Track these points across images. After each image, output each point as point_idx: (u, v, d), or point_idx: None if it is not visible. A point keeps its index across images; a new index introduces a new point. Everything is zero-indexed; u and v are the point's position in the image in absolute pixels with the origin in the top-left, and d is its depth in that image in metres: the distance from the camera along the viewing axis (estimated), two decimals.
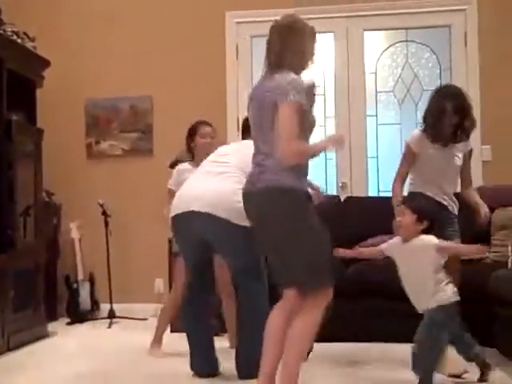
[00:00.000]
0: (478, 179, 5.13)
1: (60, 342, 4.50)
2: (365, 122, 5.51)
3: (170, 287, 4.80)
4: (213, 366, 3.39)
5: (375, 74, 5.58)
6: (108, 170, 5.58)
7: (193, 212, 3.21)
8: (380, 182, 5.49)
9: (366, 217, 4.75)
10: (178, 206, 3.31)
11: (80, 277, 5.36)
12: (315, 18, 5.43)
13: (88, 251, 5.45)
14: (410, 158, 3.63)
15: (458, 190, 3.76)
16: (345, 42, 5.52)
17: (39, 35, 4.94)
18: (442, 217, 3.52)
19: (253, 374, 2.84)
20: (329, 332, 3.89)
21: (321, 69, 5.50)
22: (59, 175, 5.44)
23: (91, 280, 5.40)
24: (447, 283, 3.01)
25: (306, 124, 2.67)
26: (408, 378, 3.32)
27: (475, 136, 5.27)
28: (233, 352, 3.37)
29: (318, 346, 3.50)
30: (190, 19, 5.58)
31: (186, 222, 3.27)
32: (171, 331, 4.40)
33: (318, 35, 2.87)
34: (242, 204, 2.83)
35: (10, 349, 4.08)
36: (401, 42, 5.57)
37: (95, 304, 5.39)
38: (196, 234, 3.27)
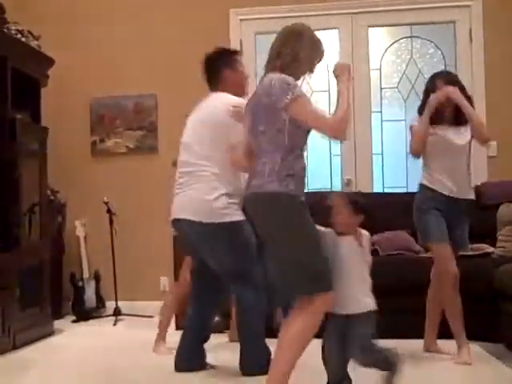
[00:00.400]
0: (483, 174, 5.13)
1: (66, 339, 4.51)
2: (369, 118, 5.50)
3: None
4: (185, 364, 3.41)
5: (380, 70, 5.57)
6: (113, 168, 5.58)
7: (177, 219, 3.35)
8: (385, 178, 5.48)
9: (371, 213, 4.71)
10: (172, 211, 3.42)
11: (85, 275, 5.37)
12: (319, 15, 5.49)
13: (93, 249, 5.47)
14: None
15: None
16: (349, 38, 5.50)
17: (44, 34, 4.95)
18: (450, 215, 3.54)
19: (254, 371, 2.85)
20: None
21: (325, 65, 5.49)
22: (64, 173, 5.45)
23: (96, 278, 5.41)
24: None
25: (303, 124, 2.64)
26: (409, 371, 3.33)
27: None
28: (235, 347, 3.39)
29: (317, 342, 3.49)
30: (194, 17, 5.58)
31: (177, 228, 3.44)
32: (176, 328, 4.40)
33: (323, 43, 2.83)
34: (213, 200, 3.10)
35: (15, 347, 4.08)
36: (405, 38, 5.56)
37: (101, 302, 5.40)
38: (186, 239, 3.44)
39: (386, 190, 5.43)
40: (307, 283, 2.58)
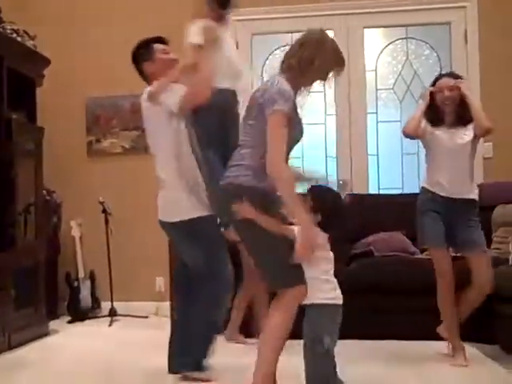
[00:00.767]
0: (479, 176, 5.13)
1: (61, 340, 4.50)
2: (365, 119, 5.51)
3: (171, 285, 4.80)
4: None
5: (375, 71, 5.58)
6: (109, 168, 5.58)
7: (160, 221, 3.39)
8: (380, 179, 5.49)
9: (367, 214, 4.74)
10: None
11: (81, 275, 5.36)
12: (315, 16, 5.49)
13: (89, 249, 5.46)
14: None
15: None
16: (345, 39, 5.50)
17: (40, 34, 4.94)
18: (450, 216, 3.55)
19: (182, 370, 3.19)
20: None
21: None
22: (60, 173, 5.44)
23: (92, 278, 5.40)
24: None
25: (292, 133, 2.65)
26: (404, 373, 3.34)
27: None
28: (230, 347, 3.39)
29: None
30: (191, 18, 5.56)
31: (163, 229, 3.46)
32: None
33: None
34: (171, 195, 3.21)
35: (11, 347, 4.08)
36: (401, 39, 5.57)
37: (96, 302, 5.39)
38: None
39: (382, 191, 5.44)
40: (278, 278, 2.62)
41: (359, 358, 3.70)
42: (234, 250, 3.53)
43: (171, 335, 3.39)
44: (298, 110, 2.78)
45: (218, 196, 2.80)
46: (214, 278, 3.20)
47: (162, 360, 3.38)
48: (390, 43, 5.59)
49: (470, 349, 3.72)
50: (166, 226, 3.32)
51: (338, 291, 2.64)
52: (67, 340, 4.50)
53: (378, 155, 5.51)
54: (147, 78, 3.46)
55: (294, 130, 2.69)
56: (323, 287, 2.60)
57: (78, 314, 5.23)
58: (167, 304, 4.79)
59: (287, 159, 2.70)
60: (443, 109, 3.60)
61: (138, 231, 5.44)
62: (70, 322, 5.15)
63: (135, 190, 5.50)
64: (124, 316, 5.20)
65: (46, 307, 4.62)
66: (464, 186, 3.55)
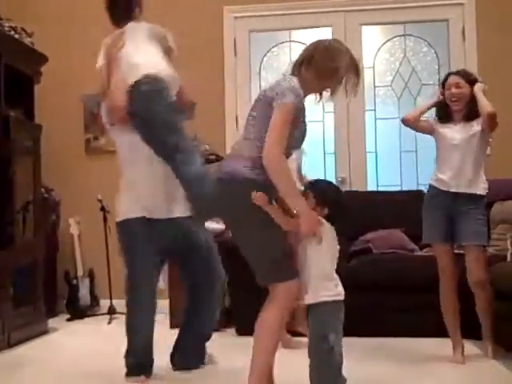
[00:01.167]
0: None
1: (60, 338, 4.50)
2: (363, 116, 5.51)
3: (170, 283, 4.81)
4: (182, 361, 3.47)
5: (373, 68, 5.58)
6: (107, 166, 5.54)
7: None
8: (379, 176, 5.50)
9: (365, 211, 4.74)
10: None
11: (79, 273, 5.36)
12: (313, 13, 5.49)
13: (87, 247, 5.45)
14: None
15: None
16: (342, 36, 5.48)
17: (38, 32, 4.93)
18: (453, 211, 3.54)
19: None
20: None
21: None
22: (58, 171, 5.43)
23: (91, 276, 5.40)
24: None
25: (295, 132, 2.63)
26: (404, 371, 3.35)
27: None
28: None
29: None
30: (188, 14, 5.57)
31: None
32: (171, 327, 4.41)
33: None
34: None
35: (10, 345, 4.08)
36: (399, 36, 5.57)
37: (95, 300, 5.39)
38: None
39: (380, 189, 5.45)
40: (270, 272, 2.61)
41: (359, 355, 3.70)
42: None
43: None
44: (305, 114, 2.74)
45: (218, 182, 2.74)
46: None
47: (162, 357, 3.39)
48: (388, 40, 5.59)
49: (471, 346, 3.73)
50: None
51: (340, 287, 2.63)
52: (66, 338, 4.50)
53: (376, 152, 5.51)
54: None
55: (297, 129, 2.66)
56: (327, 285, 2.59)
57: (77, 312, 5.22)
58: (166, 302, 4.80)
59: (288, 151, 2.68)
60: (451, 106, 3.61)
61: None
62: (69, 320, 5.15)
63: None
64: (123, 314, 5.17)
65: (44, 305, 4.62)
66: (468, 180, 3.53)
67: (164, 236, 3.25)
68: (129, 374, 3.24)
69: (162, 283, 4.96)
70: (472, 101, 3.57)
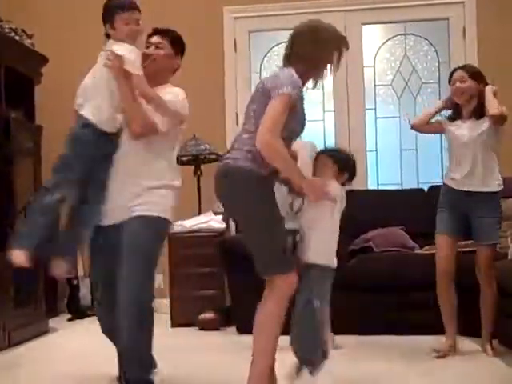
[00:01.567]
0: None
1: (61, 338, 4.50)
2: (364, 115, 5.51)
3: (170, 282, 4.81)
4: None
5: (374, 67, 5.58)
6: None
7: None
8: (379, 175, 5.49)
9: (366, 210, 4.74)
10: None
11: (80, 273, 5.36)
12: (313, 12, 5.46)
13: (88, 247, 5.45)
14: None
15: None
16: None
17: (37, 32, 4.94)
18: (466, 209, 3.54)
19: None
20: (331, 325, 3.93)
21: None
22: None
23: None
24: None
25: (292, 123, 2.62)
26: (405, 368, 3.34)
27: None
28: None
29: None
30: (188, 15, 5.57)
31: None
32: (172, 325, 4.41)
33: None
34: None
35: (11, 345, 4.08)
36: (399, 35, 5.57)
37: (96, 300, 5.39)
38: None
39: (381, 187, 5.44)
40: (270, 264, 2.61)
41: (359, 353, 3.71)
42: None
43: None
44: (304, 105, 2.75)
45: (215, 177, 2.74)
46: None
47: (162, 357, 3.38)
48: (389, 39, 5.59)
49: (470, 343, 3.72)
50: None
51: (335, 259, 2.74)
52: (67, 338, 4.50)
53: (376, 151, 5.51)
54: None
55: (294, 120, 2.64)
56: (325, 250, 2.68)
57: (78, 312, 5.23)
58: (167, 301, 4.81)
59: (290, 141, 2.68)
60: (458, 101, 3.60)
61: None
62: (69, 320, 5.15)
63: None
64: None
65: (45, 305, 4.62)
66: (481, 179, 3.51)
67: None
68: None
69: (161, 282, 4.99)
70: (481, 98, 3.54)
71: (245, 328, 4.14)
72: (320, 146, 3.01)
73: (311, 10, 5.48)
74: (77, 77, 5.88)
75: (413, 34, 5.55)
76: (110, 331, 3.18)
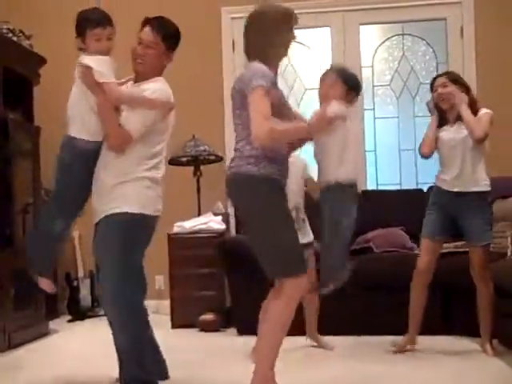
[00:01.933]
0: None
1: (61, 339, 4.50)
2: (362, 115, 5.51)
3: (170, 284, 4.81)
4: None
5: (372, 67, 5.59)
6: None
7: None
8: (378, 175, 5.50)
9: (365, 210, 4.70)
10: None
11: (80, 274, 5.36)
12: (311, 13, 5.48)
13: (88, 248, 5.39)
14: None
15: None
16: (341, 36, 5.51)
17: (35, 33, 4.93)
18: (455, 210, 3.58)
19: None
20: (330, 325, 3.94)
21: (317, 63, 5.50)
22: None
23: (91, 277, 5.40)
24: None
25: (276, 116, 2.61)
26: (404, 368, 3.35)
27: None
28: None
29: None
30: (186, 15, 5.55)
31: None
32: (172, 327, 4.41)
33: (301, 26, 2.91)
34: None
35: (11, 347, 4.07)
36: (397, 35, 5.58)
37: (96, 301, 5.38)
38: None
39: (380, 187, 5.45)
40: (277, 267, 2.60)
41: (358, 353, 3.71)
42: None
43: None
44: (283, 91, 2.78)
45: (227, 183, 2.75)
46: None
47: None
48: (387, 40, 5.60)
49: (468, 343, 3.73)
50: None
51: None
52: (67, 339, 4.50)
53: (375, 151, 5.51)
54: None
55: (285, 116, 2.65)
56: (345, 167, 2.75)
57: (78, 313, 5.23)
58: (167, 302, 4.81)
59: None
60: (443, 106, 3.66)
61: None
62: (70, 322, 5.15)
63: None
64: None
65: (45, 307, 4.61)
66: (470, 179, 3.58)
67: None
68: None
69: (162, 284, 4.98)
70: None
71: (245, 329, 4.16)
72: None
73: (309, 10, 5.48)
74: (75, 78, 5.88)
75: (410, 35, 5.56)
76: None
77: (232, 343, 4.10)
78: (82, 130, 3.00)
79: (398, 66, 5.57)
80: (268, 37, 2.72)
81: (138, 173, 2.96)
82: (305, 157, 3.63)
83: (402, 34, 5.57)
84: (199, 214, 5.02)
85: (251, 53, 2.75)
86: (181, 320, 4.67)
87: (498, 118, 5.17)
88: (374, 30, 5.66)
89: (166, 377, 3.15)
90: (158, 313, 4.91)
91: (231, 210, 4.93)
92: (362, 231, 4.62)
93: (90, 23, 3.07)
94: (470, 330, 3.75)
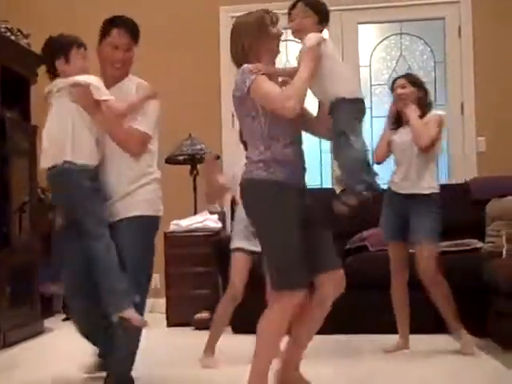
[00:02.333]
0: (472, 170, 5.17)
1: (56, 338, 4.50)
2: None
3: (167, 283, 4.81)
4: None
5: (369, 66, 5.59)
6: None
7: None
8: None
9: (361, 209, 4.73)
10: None
11: None
12: None
13: None
14: None
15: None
16: (339, 35, 5.51)
17: (33, 32, 4.94)
18: (405, 211, 3.63)
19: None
20: (324, 323, 3.94)
21: None
22: None
23: None
24: None
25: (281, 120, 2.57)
26: (401, 367, 3.35)
27: (470, 128, 5.32)
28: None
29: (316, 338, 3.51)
30: (184, 14, 5.58)
31: None
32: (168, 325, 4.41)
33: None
34: None
35: (6, 345, 4.08)
36: (395, 34, 5.59)
37: None
38: None
39: None
40: (275, 277, 2.57)
41: (354, 351, 3.71)
42: None
43: None
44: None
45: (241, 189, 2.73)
46: None
47: (158, 356, 3.39)
48: (384, 39, 5.61)
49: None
50: None
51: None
52: (62, 338, 4.49)
53: (372, 150, 5.49)
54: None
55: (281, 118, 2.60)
56: (344, 83, 2.67)
57: None
58: (163, 301, 4.81)
59: (293, 139, 2.65)
60: (400, 106, 3.70)
61: None
62: (65, 320, 5.13)
63: None
64: None
65: (41, 305, 4.63)
66: (412, 181, 3.63)
67: None
68: None
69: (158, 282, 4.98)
70: (420, 104, 3.66)
71: (240, 328, 4.16)
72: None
73: None
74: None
75: (408, 34, 5.57)
76: None
77: (227, 342, 4.09)
78: (80, 152, 2.99)
79: (395, 65, 5.57)
80: (243, 43, 2.70)
81: (149, 175, 3.07)
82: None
83: (400, 34, 5.58)
84: (195, 213, 5.03)
85: (235, 61, 2.73)
86: (176, 318, 4.67)
87: (494, 117, 5.22)
88: (371, 29, 5.66)
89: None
90: (154, 311, 4.92)
91: (227, 209, 4.94)
92: (357, 230, 4.63)
93: (74, 43, 3.19)
94: (465, 328, 3.73)
